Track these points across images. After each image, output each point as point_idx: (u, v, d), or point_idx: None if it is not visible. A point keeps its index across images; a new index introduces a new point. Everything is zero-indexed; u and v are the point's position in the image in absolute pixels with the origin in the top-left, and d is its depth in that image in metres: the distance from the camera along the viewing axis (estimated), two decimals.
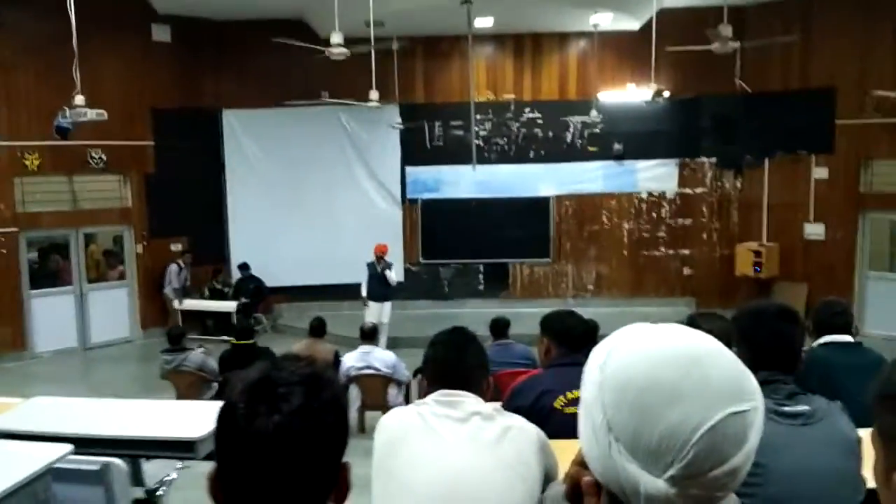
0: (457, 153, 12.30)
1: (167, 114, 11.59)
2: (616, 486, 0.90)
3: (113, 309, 11.58)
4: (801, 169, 11.56)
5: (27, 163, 10.47)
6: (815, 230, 11.50)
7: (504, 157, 12.62)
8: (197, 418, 3.14)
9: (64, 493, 2.59)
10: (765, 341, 2.13)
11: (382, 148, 12.58)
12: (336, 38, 7.81)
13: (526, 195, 12.59)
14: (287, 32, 9.54)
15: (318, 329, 7.49)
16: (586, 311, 3.58)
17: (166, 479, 3.40)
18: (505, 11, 10.84)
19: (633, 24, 11.33)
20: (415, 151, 12.58)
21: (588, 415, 0.93)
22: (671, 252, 12.68)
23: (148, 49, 11.51)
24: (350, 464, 1.08)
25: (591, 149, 12.46)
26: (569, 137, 12.53)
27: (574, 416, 0.99)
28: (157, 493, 3.35)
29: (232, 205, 12.65)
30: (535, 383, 3.06)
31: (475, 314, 10.25)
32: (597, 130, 12.27)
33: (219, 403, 1.06)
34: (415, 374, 6.92)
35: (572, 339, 3.10)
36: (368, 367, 6.98)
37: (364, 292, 10.30)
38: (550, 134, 12.54)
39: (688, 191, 12.54)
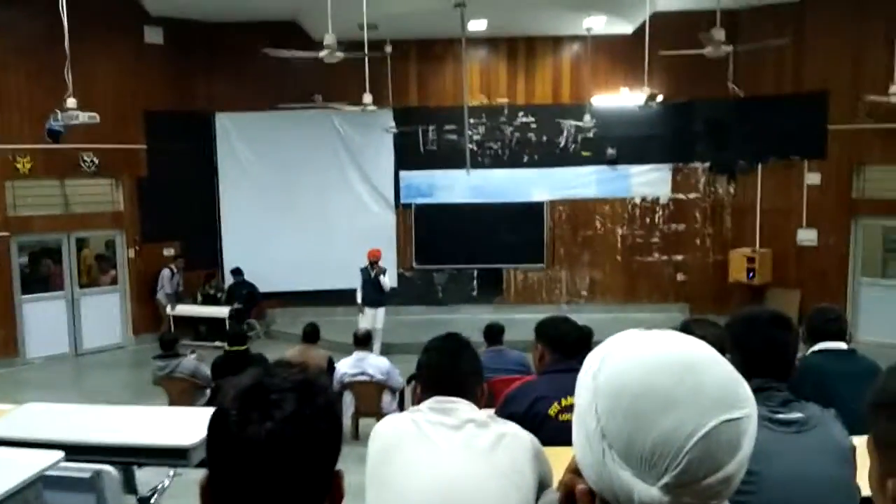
0: (450, 157, 12.31)
1: (160, 116, 11.56)
2: (610, 494, 0.90)
3: (105, 314, 11.54)
4: (794, 174, 11.59)
5: (19, 166, 10.43)
6: (807, 236, 11.53)
7: (498, 162, 12.64)
8: (190, 425, 3.12)
9: (55, 501, 2.56)
10: (758, 348, 2.13)
11: (376, 152, 12.58)
12: (329, 40, 7.80)
13: (520, 200, 12.60)
14: (280, 35, 9.54)
15: (311, 335, 7.46)
16: (580, 317, 3.59)
17: (159, 486, 3.39)
18: (498, 15, 10.87)
19: (626, 28, 11.37)
20: (408, 156, 12.59)
21: (582, 422, 0.93)
22: (665, 258, 12.70)
23: (140, 51, 11.49)
24: (343, 471, 1.08)
25: (584, 153, 12.49)
26: (562, 142, 12.56)
27: (568, 423, 0.98)
28: (150, 501, 3.33)
29: (225, 209, 12.62)
30: (529, 390, 3.05)
31: (469, 320, 10.25)
32: (590, 135, 12.29)
33: (211, 410, 1.05)
34: (409, 381, 6.91)
35: (566, 346, 3.10)
36: (362, 374, 6.96)
37: (360, 299, 10.28)
38: (544, 138, 12.56)
39: (681, 196, 12.57)
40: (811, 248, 11.51)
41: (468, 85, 11.59)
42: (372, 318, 10.10)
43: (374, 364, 7.06)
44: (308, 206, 12.48)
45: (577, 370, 0.97)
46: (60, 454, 2.50)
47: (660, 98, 10.87)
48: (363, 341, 7.26)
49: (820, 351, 3.40)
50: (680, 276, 12.68)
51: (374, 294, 10.22)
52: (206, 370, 7.10)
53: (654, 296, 12.68)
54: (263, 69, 11.38)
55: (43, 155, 10.52)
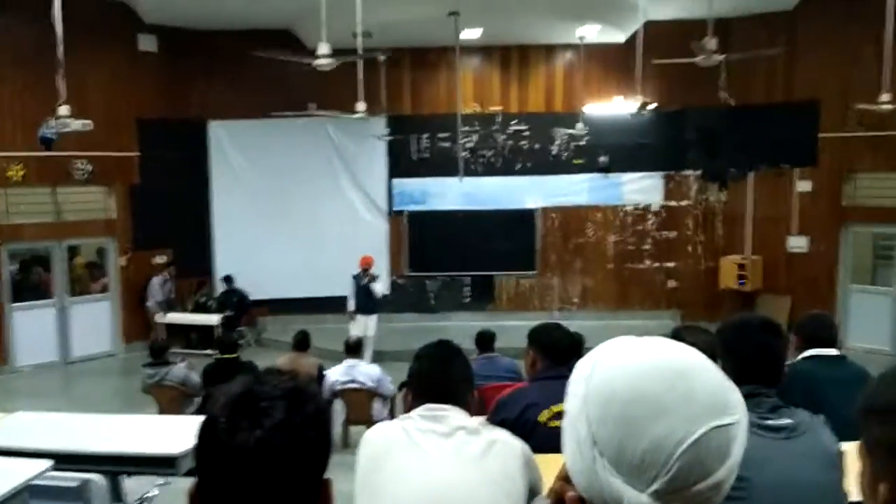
0: (443, 165, 12.33)
1: (153, 124, 11.54)
2: (600, 501, 0.89)
3: (95, 322, 11.47)
4: (785, 182, 11.66)
5: (11, 174, 10.37)
6: (798, 243, 11.58)
7: (490, 170, 12.65)
8: (178, 434, 3.11)
9: None
10: (749, 354, 2.14)
11: (369, 160, 12.58)
12: (323, 48, 7.81)
13: (512, 207, 12.63)
14: (274, 43, 9.52)
15: (301, 343, 7.45)
16: (572, 325, 3.58)
17: (147, 495, 3.37)
18: (492, 23, 10.90)
19: (619, 37, 11.42)
20: (401, 163, 12.60)
21: (572, 428, 0.93)
22: (656, 265, 12.73)
23: (134, 59, 11.48)
24: (333, 479, 1.07)
25: (576, 161, 12.52)
26: (555, 150, 12.59)
27: (558, 429, 0.98)
28: None
29: (217, 217, 12.59)
30: (519, 396, 3.05)
31: (461, 327, 10.23)
32: (583, 143, 12.33)
33: (200, 418, 1.05)
34: (400, 388, 6.89)
35: (558, 352, 3.10)
36: (353, 382, 6.95)
37: (351, 306, 10.26)
38: (537, 146, 12.59)
39: (673, 203, 12.61)
40: (802, 255, 11.56)
41: (462, 93, 11.62)
42: (363, 326, 10.08)
43: (364, 371, 7.05)
44: (300, 213, 12.46)
45: (567, 377, 0.97)
46: (48, 463, 2.49)
47: (652, 106, 10.93)
48: (354, 349, 7.25)
49: (810, 357, 3.41)
50: (671, 283, 12.71)
51: (366, 301, 10.21)
52: (196, 378, 7.07)
53: (645, 303, 12.71)
54: (257, 77, 11.39)
55: (35, 162, 10.48)
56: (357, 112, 9.51)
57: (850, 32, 10.54)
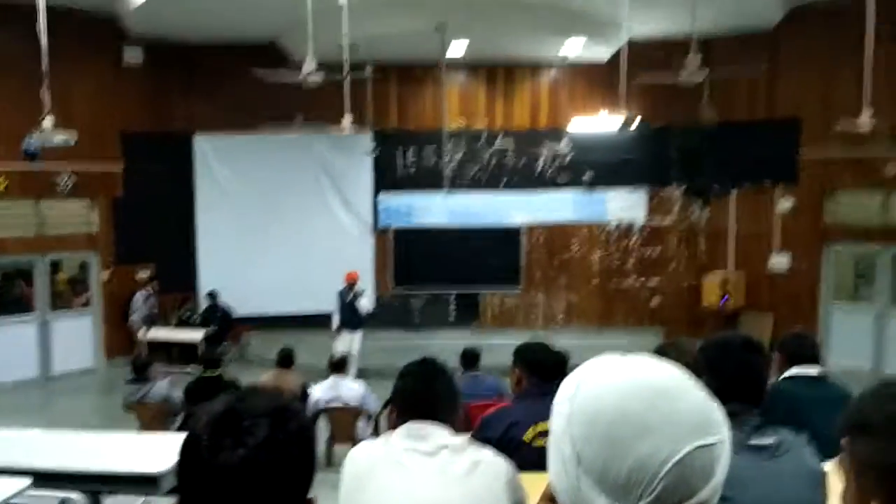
0: (429, 180, 12.35)
1: (137, 137, 11.49)
2: None
3: (77, 337, 11.35)
4: (767, 199, 11.75)
5: None
6: (780, 260, 11.65)
7: (476, 185, 12.68)
8: (160, 452, 3.08)
9: None
10: (731, 372, 2.14)
11: (356, 175, 12.58)
12: (310, 63, 7.82)
13: (497, 224, 12.65)
14: (260, 56, 9.51)
15: (285, 360, 7.39)
16: (556, 342, 3.58)
17: None
18: (479, 36, 10.91)
19: (603, 55, 11.50)
20: (387, 177, 12.60)
21: (557, 447, 0.93)
22: (640, 281, 12.78)
23: (119, 72, 11.44)
24: (317, 498, 1.06)
25: (561, 178, 12.58)
26: (540, 166, 12.64)
27: (543, 448, 0.98)
28: None
29: (201, 231, 12.52)
30: (504, 415, 3.05)
31: (446, 345, 10.19)
32: (567, 160, 12.39)
33: (183, 436, 1.04)
34: (384, 406, 6.86)
35: (544, 370, 3.10)
36: (337, 400, 6.90)
37: (336, 322, 10.21)
38: (522, 162, 12.64)
39: (656, 220, 12.68)
40: (784, 273, 11.63)
41: (447, 108, 11.66)
42: (349, 342, 10.04)
43: (348, 388, 7.00)
44: (286, 229, 12.41)
45: (552, 395, 0.97)
46: (27, 481, 2.45)
47: (636, 123, 10.99)
48: (339, 366, 7.20)
49: (792, 377, 3.42)
50: (655, 301, 12.74)
51: (351, 317, 10.17)
52: (179, 395, 6.99)
53: (629, 319, 12.73)
54: (243, 91, 11.36)
55: (19, 175, 10.41)
56: (343, 127, 9.53)
57: (831, 51, 10.68)
